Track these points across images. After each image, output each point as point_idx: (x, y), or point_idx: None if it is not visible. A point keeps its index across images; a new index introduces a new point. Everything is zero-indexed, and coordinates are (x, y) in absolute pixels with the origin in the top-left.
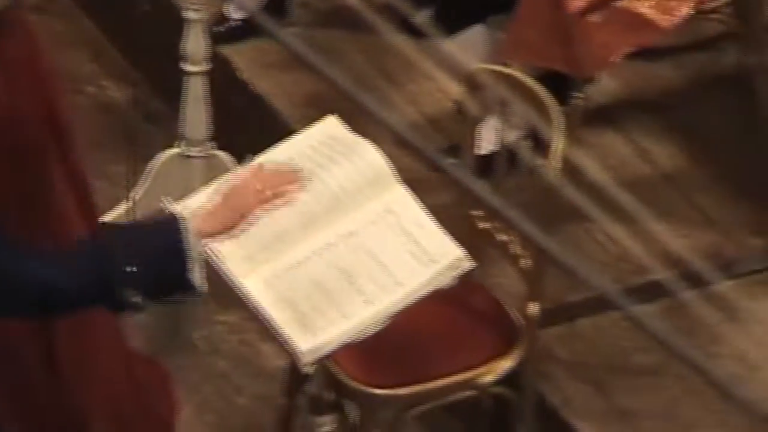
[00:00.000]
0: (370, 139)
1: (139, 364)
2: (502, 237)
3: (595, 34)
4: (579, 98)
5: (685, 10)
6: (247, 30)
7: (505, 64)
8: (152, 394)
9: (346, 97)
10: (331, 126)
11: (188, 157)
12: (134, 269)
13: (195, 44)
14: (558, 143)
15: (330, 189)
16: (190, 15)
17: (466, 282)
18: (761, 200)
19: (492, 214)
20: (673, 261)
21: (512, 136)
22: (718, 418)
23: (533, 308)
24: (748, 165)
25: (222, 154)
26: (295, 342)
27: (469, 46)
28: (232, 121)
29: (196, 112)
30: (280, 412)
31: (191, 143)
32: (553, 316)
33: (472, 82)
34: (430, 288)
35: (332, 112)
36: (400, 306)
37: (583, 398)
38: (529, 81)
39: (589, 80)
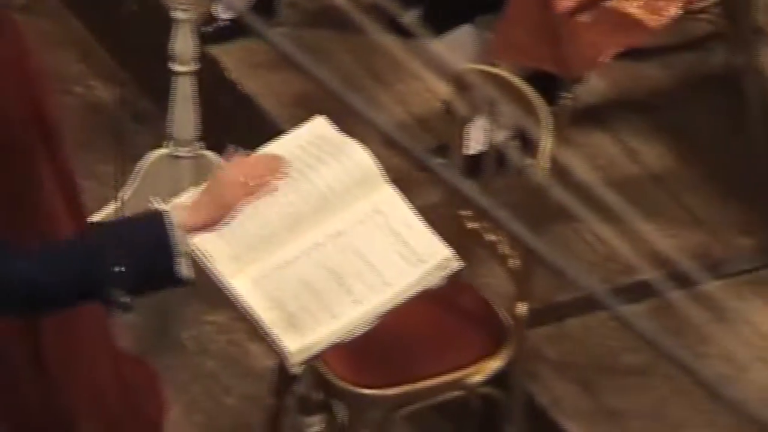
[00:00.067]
0: (359, 139)
1: (128, 363)
2: (491, 237)
3: (584, 34)
4: (567, 98)
5: (674, 10)
6: (235, 30)
7: (493, 64)
8: (140, 394)
9: (334, 97)
10: (319, 126)
11: (176, 157)
12: (122, 269)
13: (183, 44)
14: (546, 143)
15: (318, 189)
16: (178, 15)
17: (454, 282)
18: (749, 200)
19: (480, 214)
20: (661, 261)
21: (500, 136)
22: (706, 418)
23: (522, 308)
24: (737, 165)
25: (210, 154)
26: (284, 342)
27: (458, 46)
28: (221, 121)
29: (184, 112)
30: (269, 412)
31: (179, 143)
32: (541, 316)
33: (460, 82)
34: (418, 288)
35: (320, 112)
36: (388, 306)
37: (572, 398)
38: (518, 81)
39: (578, 80)
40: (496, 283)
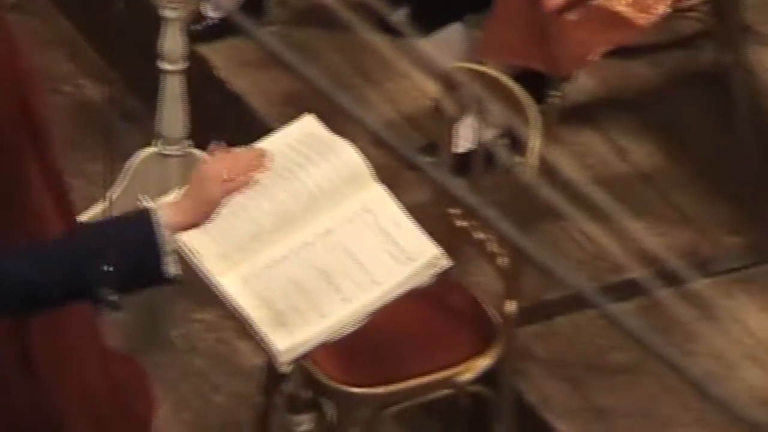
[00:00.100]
0: (348, 138)
1: (116, 362)
2: (480, 235)
3: (572, 32)
4: (556, 97)
5: (662, 9)
6: (224, 29)
7: (482, 63)
8: (129, 393)
9: (323, 96)
10: (308, 124)
11: (165, 155)
12: (110, 268)
13: (172, 43)
14: (535, 142)
15: (307, 188)
16: (167, 14)
17: (443, 280)
18: (738, 198)
19: (469, 212)
20: (649, 259)
21: (489, 134)
22: (695, 416)
23: (511, 306)
24: (725, 163)
25: (199, 153)
26: (272, 341)
27: (446, 45)
28: (209, 120)
29: (173, 110)
30: (258, 410)
31: (168, 142)
32: (530, 314)
33: (449, 81)
34: (407, 286)
35: (309, 111)
36: (377, 305)
37: (561, 396)
38: (506, 79)
39: (566, 78)
40: (485, 281)
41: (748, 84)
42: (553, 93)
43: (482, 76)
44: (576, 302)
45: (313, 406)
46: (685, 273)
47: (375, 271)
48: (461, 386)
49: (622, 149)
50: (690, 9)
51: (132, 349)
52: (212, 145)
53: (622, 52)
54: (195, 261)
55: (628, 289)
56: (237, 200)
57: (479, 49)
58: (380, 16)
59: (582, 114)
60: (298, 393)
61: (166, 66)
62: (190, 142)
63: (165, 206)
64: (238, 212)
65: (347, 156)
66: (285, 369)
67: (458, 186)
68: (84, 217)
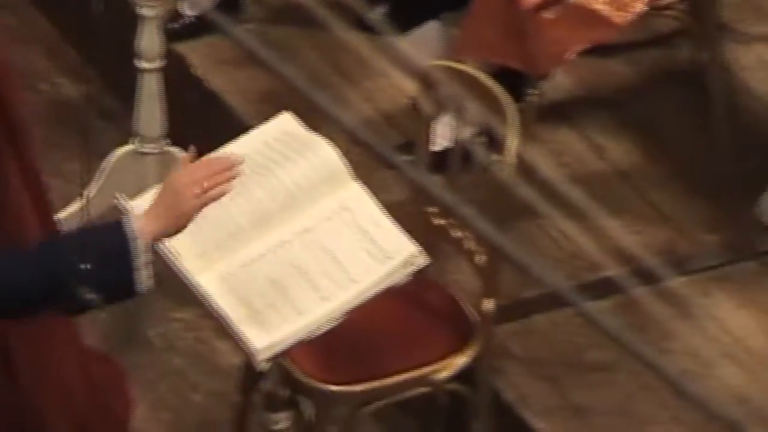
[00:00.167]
0: (326, 136)
1: (95, 362)
2: (457, 233)
3: (549, 30)
4: (533, 95)
5: (639, 7)
6: (201, 27)
7: (459, 61)
8: (108, 392)
9: (300, 94)
10: (285, 122)
11: (142, 154)
12: (88, 266)
13: (149, 41)
14: (513, 140)
15: (285, 186)
16: (144, 12)
17: (420, 278)
18: (715, 196)
19: (446, 210)
20: (627, 257)
21: (467, 132)
22: (672, 414)
23: (488, 304)
24: (702, 161)
25: (176, 151)
26: (250, 339)
27: (424, 43)
28: (187, 118)
29: (150, 109)
30: (236, 409)
31: (145, 140)
32: (508, 312)
33: (426, 79)
34: (385, 285)
35: (287, 109)
36: (355, 303)
37: (538, 394)
38: (484, 77)
39: (544, 77)
40: (462, 279)
41: (724, 82)
42: (530, 91)
43: (460, 74)
44: (554, 300)
45: (291, 405)
46: (662, 271)
47: (352, 269)
48: (439, 384)
49: (600, 147)
50: (667, 7)
51: (110, 348)
52: (186, 153)
53: (599, 50)
54: (173, 260)
55: (605, 288)
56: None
57: (457, 47)
58: (357, 15)
59: (559, 112)
60: (276, 391)
61: (143, 64)
62: (167, 140)
63: (139, 216)
64: (216, 211)
65: (325, 154)
66: (263, 367)
67: (435, 184)
68: (61, 215)
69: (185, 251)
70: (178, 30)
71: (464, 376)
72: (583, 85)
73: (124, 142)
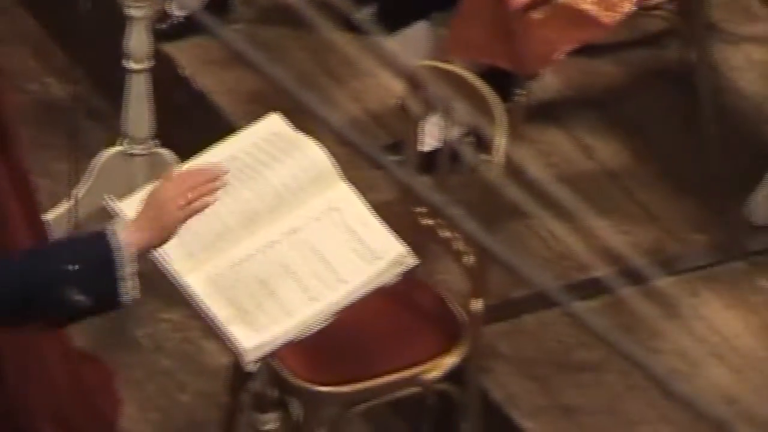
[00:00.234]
0: (314, 136)
1: (83, 362)
2: (446, 233)
3: (538, 30)
4: (522, 95)
5: (628, 7)
6: (189, 27)
7: (448, 61)
8: (96, 393)
9: (288, 94)
10: (274, 123)
11: (131, 154)
12: (76, 267)
13: (137, 42)
14: (501, 140)
15: (273, 186)
16: (132, 12)
17: (409, 279)
18: (704, 196)
19: (435, 210)
20: (615, 257)
21: (455, 133)
22: (660, 413)
23: (477, 305)
24: (691, 161)
25: (165, 152)
26: (239, 340)
27: (412, 43)
28: (175, 119)
29: (138, 109)
30: (224, 409)
31: (134, 141)
32: (496, 312)
33: (414, 79)
34: (373, 285)
35: (275, 109)
36: (343, 303)
37: (527, 394)
38: (472, 78)
39: (532, 77)
40: (451, 279)
41: (713, 82)
42: (518, 91)
43: (448, 74)
44: (542, 300)
45: (280, 405)
46: (651, 271)
47: (341, 269)
48: (428, 384)
49: (588, 147)
50: (655, 7)
51: (98, 349)
52: (169, 173)
53: (587, 51)
54: (162, 260)
55: (594, 288)
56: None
57: (445, 47)
58: (346, 15)
59: (547, 112)
60: (264, 392)
61: (131, 65)
62: (155, 141)
63: (125, 226)
64: (204, 211)
65: (313, 154)
66: (251, 367)
67: (423, 184)
68: (50, 216)
69: (173, 252)
70: (166, 30)
71: (453, 376)
72: (572, 85)
73: (113, 143)
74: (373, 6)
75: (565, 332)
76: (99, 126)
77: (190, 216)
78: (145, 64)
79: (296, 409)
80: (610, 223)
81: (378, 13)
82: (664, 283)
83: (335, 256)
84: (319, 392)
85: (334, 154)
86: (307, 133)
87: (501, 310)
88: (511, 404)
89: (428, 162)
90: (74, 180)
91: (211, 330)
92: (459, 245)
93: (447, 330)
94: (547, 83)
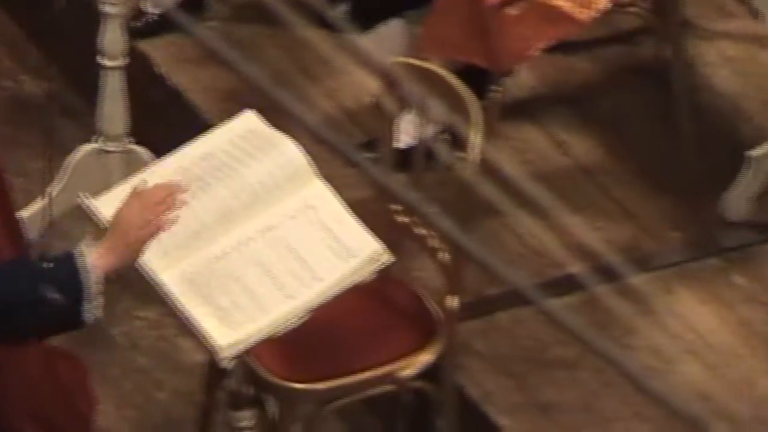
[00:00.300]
0: (289, 134)
1: (59, 360)
2: (421, 231)
3: (513, 27)
4: (497, 92)
5: (603, 4)
6: (164, 25)
7: (423, 58)
8: (72, 391)
9: (264, 92)
10: (249, 121)
11: (106, 152)
12: (51, 265)
13: (112, 39)
14: (476, 137)
15: (249, 184)
16: (107, 9)
17: (384, 276)
18: (679, 193)
19: (410, 208)
20: (590, 254)
21: (430, 130)
22: (635, 410)
23: (452, 302)
24: (666, 157)
25: (139, 149)
26: (214, 337)
27: (387, 41)
28: (150, 116)
29: (113, 107)
30: (200, 407)
31: (108, 138)
32: (472, 309)
33: (389, 77)
34: (349, 282)
35: (251, 107)
36: (319, 300)
37: (503, 392)
38: (447, 75)
39: (507, 74)
40: (426, 276)
41: (687, 79)
42: (493, 88)
43: (423, 71)
44: (517, 297)
45: (255, 403)
46: (626, 268)
47: (317, 267)
48: (403, 382)
49: (563, 144)
50: (630, 4)
51: (74, 347)
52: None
53: (562, 47)
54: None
55: (569, 285)
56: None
57: (420, 44)
58: (320, 13)
59: (523, 109)
60: (240, 389)
61: (106, 62)
62: (130, 138)
63: (93, 251)
64: (180, 210)
65: (289, 152)
66: (226, 365)
67: (397, 182)
68: (24, 213)
69: (149, 250)
70: (141, 28)
71: (428, 373)
72: (547, 82)
73: (88, 140)
74: (348, 4)
75: (541, 329)
76: (74, 123)
77: (153, 234)
78: (120, 62)
79: (272, 406)
80: (586, 219)
81: (352, 10)
82: (639, 280)
83: (311, 254)
84: (295, 389)
85: (309, 151)
86: (283, 131)
87: (476, 308)
88: (486, 401)
89: (403, 159)
90: (48, 178)
91: (186, 328)
92: (434, 242)
93: (422, 327)
94: (523, 80)
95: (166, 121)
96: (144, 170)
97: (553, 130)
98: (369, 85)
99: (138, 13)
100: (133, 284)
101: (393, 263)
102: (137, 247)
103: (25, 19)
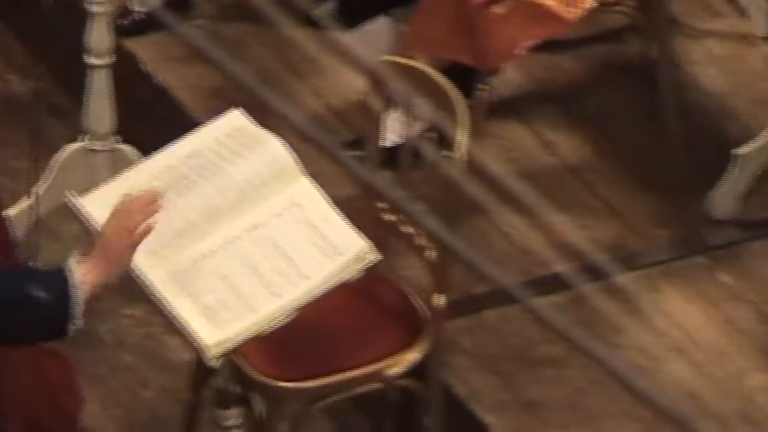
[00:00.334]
0: (276, 132)
1: (46, 359)
2: (408, 229)
3: (499, 26)
4: (483, 90)
5: (589, 3)
6: (151, 23)
7: (409, 57)
8: (59, 389)
9: (250, 90)
10: (235, 119)
11: (92, 150)
12: (37, 264)
13: (99, 37)
14: (463, 135)
15: (235, 182)
16: (94, 8)
17: (371, 274)
18: (665, 191)
19: (397, 206)
20: (577, 253)
21: (417, 128)
22: (623, 408)
23: (439, 300)
24: (653, 156)
25: (126, 148)
26: (201, 336)
27: (373, 39)
28: (137, 115)
29: (100, 105)
30: (186, 405)
31: (95, 137)
32: (458, 307)
33: (376, 75)
34: (335, 280)
35: (237, 105)
36: (306, 299)
37: (490, 390)
38: (434, 73)
39: (494, 72)
40: (413, 275)
41: (674, 77)
42: (480, 87)
43: (409, 70)
44: (504, 295)
45: (242, 401)
46: (613, 266)
47: (303, 265)
48: (390, 380)
49: (550, 143)
50: (617, 3)
51: (60, 345)
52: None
53: (549, 46)
54: None
55: (556, 283)
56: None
57: (406, 42)
58: (306, 11)
59: (509, 108)
60: (226, 388)
61: (93, 61)
62: (117, 137)
63: (79, 266)
64: (167, 208)
65: (275, 150)
66: (213, 363)
67: (384, 180)
68: (11, 212)
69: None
70: (128, 26)
71: (415, 371)
72: (533, 80)
73: (74, 139)
74: (334, 2)
75: (528, 327)
76: (61, 122)
77: (136, 244)
78: (107, 60)
79: (258, 405)
80: (572, 218)
81: (338, 8)
82: (625, 278)
83: (297, 252)
84: (282, 388)
85: (296, 149)
86: (269, 129)
87: (463, 306)
88: (473, 399)
89: (390, 158)
90: (35, 177)
91: (173, 326)
92: (421, 240)
93: (409, 325)
94: (509, 79)
95: (153, 119)
96: (131, 169)
97: (540, 128)
98: (356, 84)
99: (125, 12)
100: (120, 282)
101: (380, 261)
102: (122, 260)
103: (13, 19)
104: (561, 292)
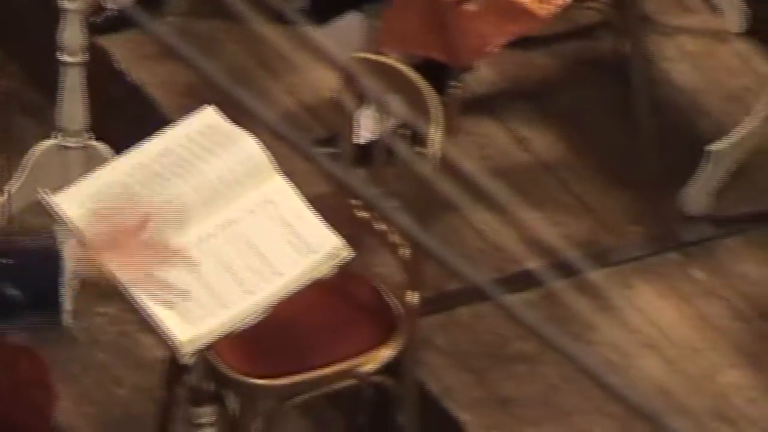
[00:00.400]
0: (249, 129)
1: (20, 356)
2: (381, 226)
3: (472, 23)
4: (457, 87)
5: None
6: (124, 20)
7: (382, 53)
8: (31, 387)
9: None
10: (208, 116)
11: (65, 148)
12: (10, 261)
13: (72, 35)
14: (436, 132)
15: (208, 179)
16: (66, 5)
17: (345, 271)
18: (638, 188)
19: (370, 203)
20: (550, 249)
21: (390, 125)
22: (595, 404)
23: (412, 297)
24: (626, 152)
25: (99, 145)
26: (174, 333)
27: (345, 35)
28: (110, 112)
29: (73, 102)
30: (160, 403)
31: (68, 134)
32: (432, 304)
33: (348, 72)
34: (309, 278)
35: (210, 103)
36: (279, 296)
37: (463, 386)
38: (407, 70)
39: (467, 69)
40: (387, 272)
41: (647, 73)
42: (453, 84)
43: (382, 66)
44: (478, 293)
45: (216, 399)
46: (586, 263)
47: (277, 262)
48: (364, 377)
49: (523, 139)
50: None
51: (33, 342)
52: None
53: (522, 43)
54: None
55: (529, 280)
56: (138, 192)
57: (379, 39)
58: (277, 7)
59: (482, 104)
60: (200, 385)
61: (65, 58)
62: (90, 134)
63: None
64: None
65: (248, 147)
66: (187, 360)
67: (357, 177)
68: None
69: None
70: (101, 24)
71: (389, 368)
72: (506, 77)
73: (47, 136)
74: None
75: (501, 324)
76: (33, 120)
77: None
78: (80, 57)
79: (232, 402)
80: (545, 215)
81: (310, 4)
82: (598, 274)
83: (271, 249)
84: (255, 385)
85: (268, 147)
86: (242, 127)
87: (437, 303)
88: (447, 396)
89: (363, 155)
90: (8, 174)
91: (147, 324)
92: (395, 238)
93: (383, 322)
94: (482, 75)
95: (126, 116)
96: (104, 166)
97: (513, 125)
98: (328, 81)
99: (98, 9)
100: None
101: (353, 258)
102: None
103: None
104: (534, 288)
